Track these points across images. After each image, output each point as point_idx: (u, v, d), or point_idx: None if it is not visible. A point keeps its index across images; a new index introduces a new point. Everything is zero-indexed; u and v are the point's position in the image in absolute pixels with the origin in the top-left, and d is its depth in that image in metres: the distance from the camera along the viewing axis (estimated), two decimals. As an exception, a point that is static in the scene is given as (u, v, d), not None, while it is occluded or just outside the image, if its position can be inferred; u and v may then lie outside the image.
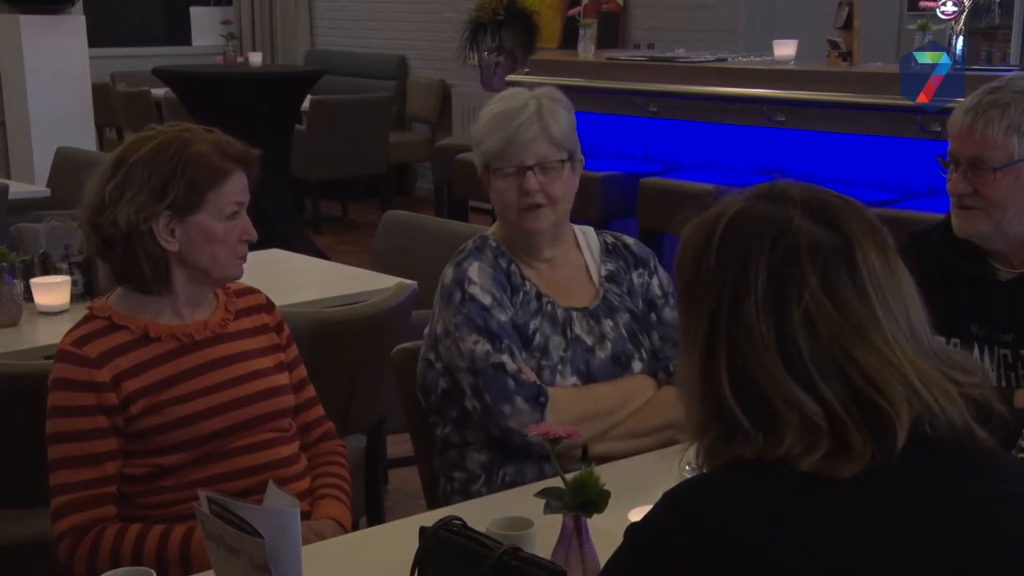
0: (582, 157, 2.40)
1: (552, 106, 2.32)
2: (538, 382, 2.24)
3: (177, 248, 2.06)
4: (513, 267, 2.35)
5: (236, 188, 2.09)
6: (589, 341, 2.33)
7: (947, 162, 2.24)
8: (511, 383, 2.21)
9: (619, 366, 2.33)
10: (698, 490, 1.22)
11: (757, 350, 1.20)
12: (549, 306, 2.33)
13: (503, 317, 2.26)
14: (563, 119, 2.32)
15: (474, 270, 2.30)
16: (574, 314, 2.34)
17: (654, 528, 1.21)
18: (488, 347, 2.23)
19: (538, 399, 2.21)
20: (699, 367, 1.24)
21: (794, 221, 1.22)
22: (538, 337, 2.29)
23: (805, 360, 1.19)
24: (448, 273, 2.33)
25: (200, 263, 2.09)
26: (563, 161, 2.33)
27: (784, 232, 1.22)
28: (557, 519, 1.64)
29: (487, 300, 2.27)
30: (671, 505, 1.21)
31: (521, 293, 2.33)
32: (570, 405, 2.22)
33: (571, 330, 2.32)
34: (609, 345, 2.34)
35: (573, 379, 2.29)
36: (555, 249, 2.39)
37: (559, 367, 2.28)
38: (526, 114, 2.29)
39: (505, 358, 2.22)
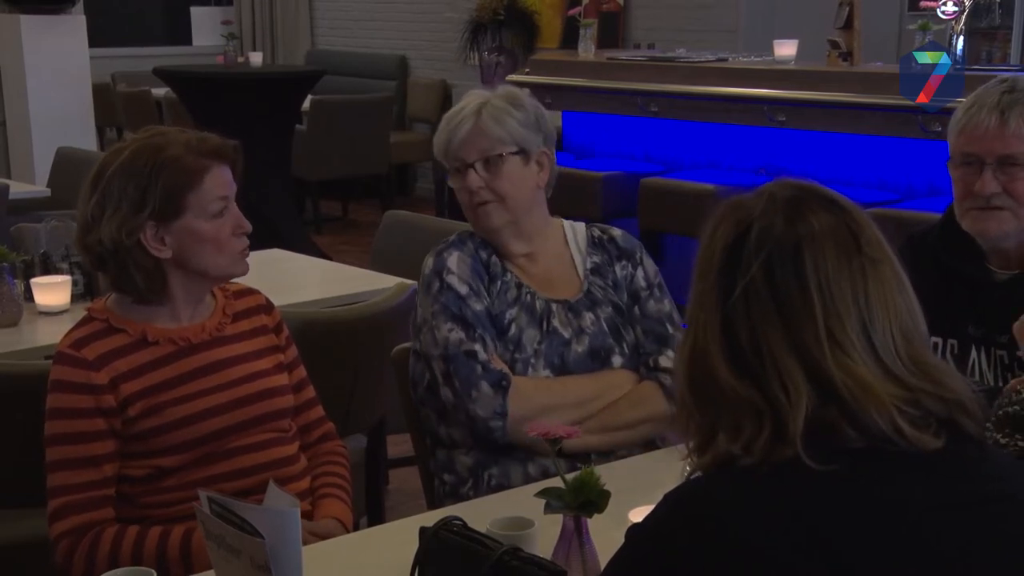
0: (548, 152, 2.38)
1: (499, 104, 2.33)
2: (505, 370, 2.25)
3: (170, 255, 2.05)
4: (495, 259, 2.36)
5: (216, 184, 2.06)
6: (566, 334, 2.32)
7: (963, 164, 2.18)
8: (479, 369, 2.23)
9: (597, 360, 2.33)
10: (699, 491, 1.22)
11: (706, 334, 1.25)
12: (528, 297, 2.33)
13: (478, 307, 2.28)
14: (510, 117, 2.33)
15: (453, 260, 2.32)
16: (554, 306, 2.34)
17: (655, 530, 1.21)
18: (462, 335, 2.24)
19: (500, 383, 2.22)
20: (676, 359, 1.33)
21: (756, 212, 1.26)
22: (513, 328, 2.30)
23: (744, 347, 1.23)
24: (428, 262, 2.34)
25: (197, 266, 2.07)
26: (507, 154, 2.32)
27: (742, 221, 1.27)
28: (557, 519, 1.64)
29: (463, 290, 2.28)
30: (672, 506, 1.21)
31: (500, 282, 2.34)
32: (535, 393, 2.23)
33: (548, 323, 2.32)
34: (587, 339, 2.33)
35: (546, 372, 2.29)
36: (529, 245, 2.39)
37: (532, 360, 2.29)
38: (464, 113, 2.33)
39: (477, 347, 2.24)
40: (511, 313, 2.31)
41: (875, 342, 1.22)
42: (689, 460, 1.28)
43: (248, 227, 2.11)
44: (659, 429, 2.31)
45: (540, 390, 2.25)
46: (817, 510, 1.16)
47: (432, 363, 2.29)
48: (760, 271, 1.23)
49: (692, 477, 1.26)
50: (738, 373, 1.23)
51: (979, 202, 2.18)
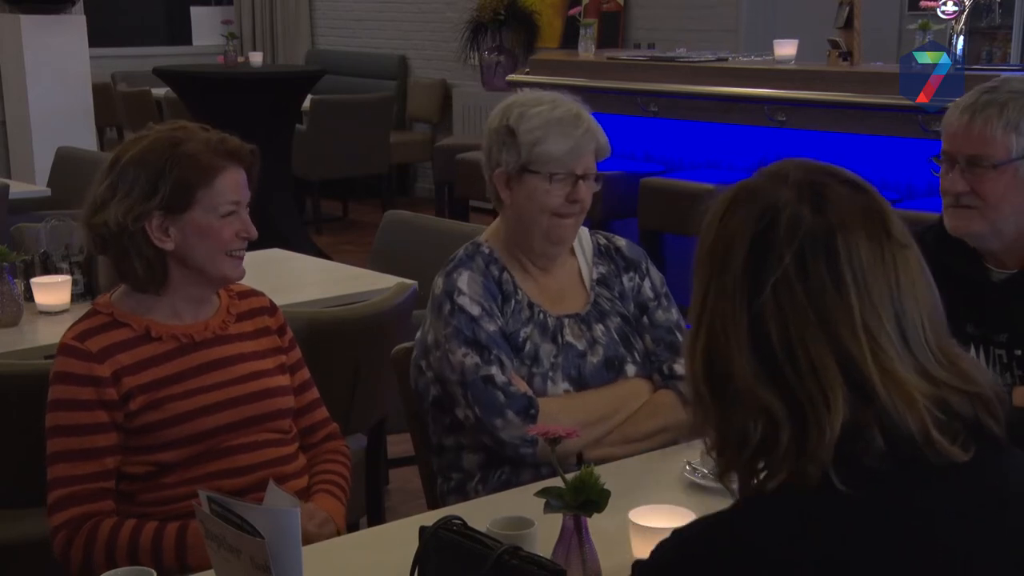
0: None
1: (592, 118, 2.34)
2: (529, 393, 2.23)
3: (173, 247, 2.06)
4: (505, 275, 2.34)
5: (229, 185, 2.08)
6: (580, 346, 2.32)
7: (942, 161, 2.23)
8: (501, 396, 2.21)
9: (612, 370, 2.33)
10: (709, 530, 1.17)
11: (727, 330, 1.18)
12: (541, 315, 2.33)
13: (492, 327, 2.26)
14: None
15: (463, 280, 2.29)
16: (565, 320, 2.34)
17: (663, 568, 1.17)
18: (477, 359, 2.22)
19: (528, 411, 2.20)
20: (688, 355, 1.24)
21: (781, 200, 1.19)
22: (528, 345, 2.29)
23: (774, 346, 1.16)
24: (438, 283, 2.32)
25: (195, 261, 2.08)
26: (599, 173, 2.34)
27: (768, 210, 1.19)
28: (557, 519, 1.64)
29: (476, 311, 2.26)
30: (680, 545, 1.17)
31: (513, 301, 2.32)
32: (561, 415, 2.20)
33: (562, 337, 2.32)
34: (601, 350, 2.33)
35: (565, 385, 2.28)
36: (558, 256, 2.39)
37: (550, 374, 2.28)
38: (585, 124, 2.30)
39: (494, 370, 2.22)
40: (525, 331, 2.30)
41: (907, 335, 1.17)
42: (704, 452, 1.24)
43: (254, 234, 2.12)
44: (677, 436, 2.31)
45: (566, 411, 2.23)
46: (841, 542, 1.11)
47: (450, 387, 2.27)
48: (793, 264, 1.16)
49: (701, 519, 1.20)
50: (761, 374, 1.16)
51: (950, 200, 2.22)
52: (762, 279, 1.17)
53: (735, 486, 1.21)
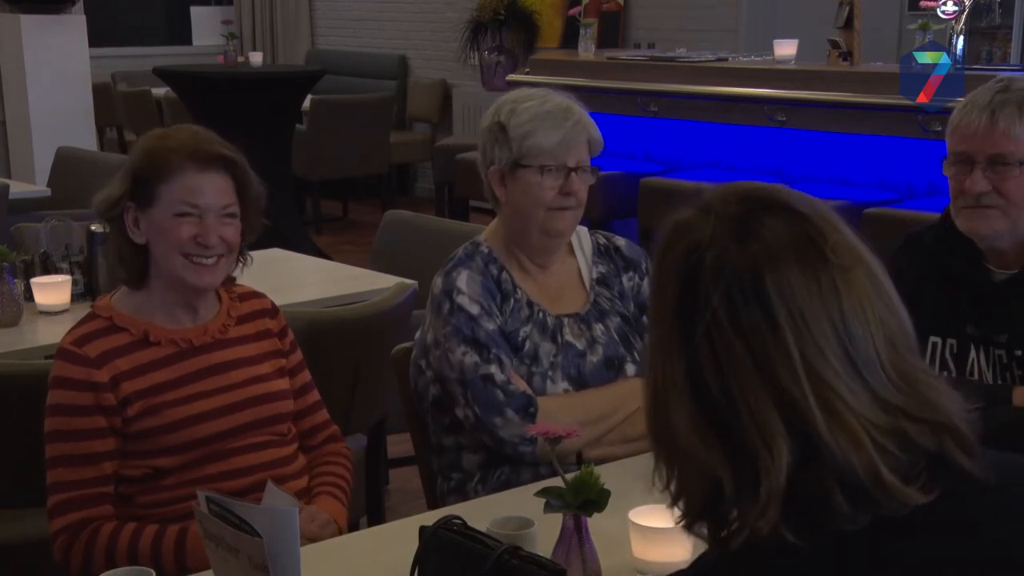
0: None
1: (584, 111, 2.34)
2: (528, 391, 2.23)
3: (143, 240, 2.08)
4: (504, 274, 2.34)
5: (191, 186, 2.05)
6: (580, 346, 2.32)
7: (954, 163, 2.20)
8: (500, 395, 2.21)
9: (612, 369, 2.33)
10: None
11: (667, 382, 1.11)
12: (540, 314, 2.32)
13: (491, 326, 2.26)
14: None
15: (463, 279, 2.29)
16: (565, 320, 2.34)
17: None
18: (476, 358, 2.22)
19: (528, 409, 2.21)
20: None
21: (705, 236, 1.11)
22: (528, 344, 2.29)
23: (714, 397, 1.08)
24: (437, 283, 2.32)
25: (157, 259, 2.08)
26: (593, 167, 2.34)
27: (694, 249, 1.11)
28: (557, 519, 1.64)
29: (475, 310, 2.26)
30: None
31: (512, 300, 2.32)
32: (561, 414, 2.20)
33: (561, 336, 2.32)
34: (600, 349, 2.33)
35: (564, 384, 2.28)
36: (556, 251, 2.39)
37: (550, 373, 2.28)
38: (575, 116, 2.29)
39: (494, 369, 2.22)
40: (525, 330, 2.30)
41: (858, 364, 1.08)
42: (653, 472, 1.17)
43: (209, 243, 2.06)
44: None
45: (565, 409, 2.23)
46: None
47: (449, 386, 2.27)
48: (721, 306, 1.08)
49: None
50: (703, 428, 1.09)
51: (970, 201, 2.19)
52: (693, 325, 1.09)
53: (705, 532, 1.14)
